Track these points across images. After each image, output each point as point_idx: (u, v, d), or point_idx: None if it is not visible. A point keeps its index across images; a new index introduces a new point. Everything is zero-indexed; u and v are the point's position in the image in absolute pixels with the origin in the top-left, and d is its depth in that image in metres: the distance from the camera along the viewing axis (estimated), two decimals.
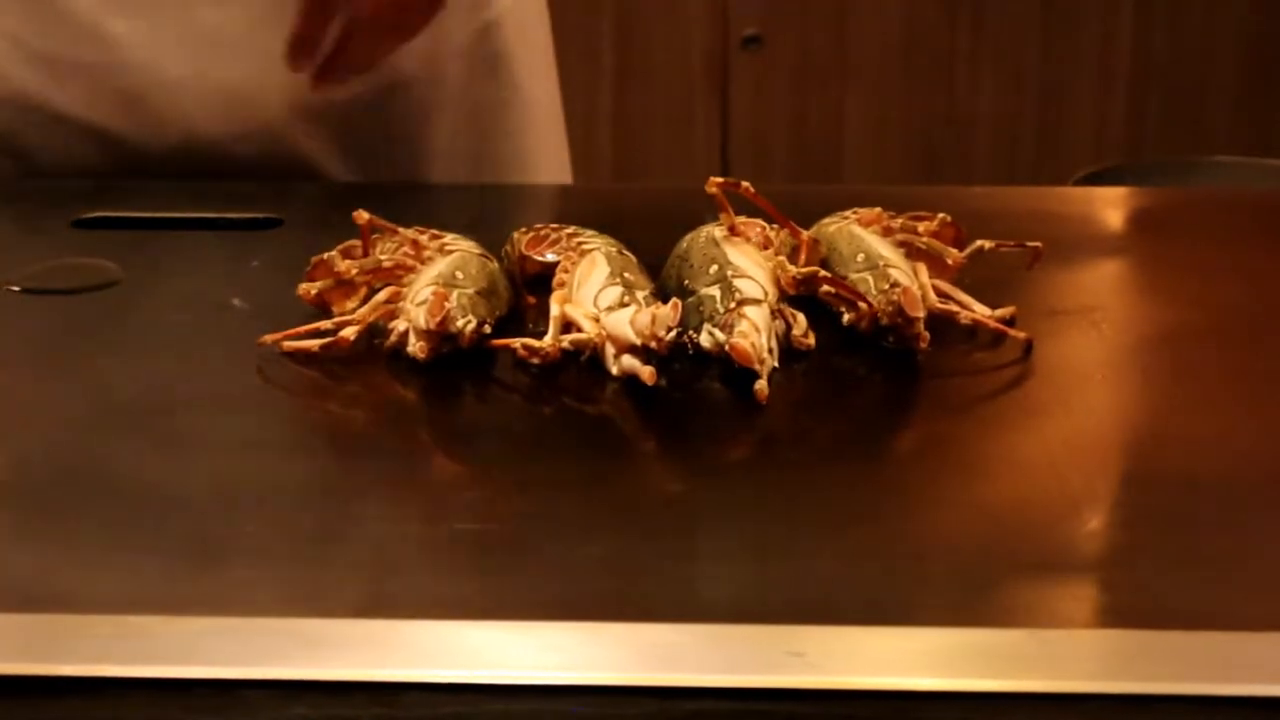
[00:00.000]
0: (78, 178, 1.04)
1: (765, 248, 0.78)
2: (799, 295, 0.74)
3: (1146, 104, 2.42)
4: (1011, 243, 0.79)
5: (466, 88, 1.09)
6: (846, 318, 0.74)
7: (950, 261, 0.78)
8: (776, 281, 0.74)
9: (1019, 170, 2.42)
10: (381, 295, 0.75)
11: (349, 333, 0.73)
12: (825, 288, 0.74)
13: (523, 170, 1.13)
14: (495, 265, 0.79)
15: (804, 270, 0.73)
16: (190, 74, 1.04)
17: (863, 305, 0.73)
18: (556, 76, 1.17)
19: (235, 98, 1.05)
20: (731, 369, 0.69)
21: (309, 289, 0.77)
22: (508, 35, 1.12)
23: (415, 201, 1.01)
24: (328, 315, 0.76)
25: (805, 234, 0.78)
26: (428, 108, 1.09)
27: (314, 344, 0.73)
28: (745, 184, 0.75)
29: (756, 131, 2.40)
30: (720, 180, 0.75)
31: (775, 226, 0.80)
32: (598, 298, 0.72)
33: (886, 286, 0.73)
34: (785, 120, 2.41)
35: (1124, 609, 0.54)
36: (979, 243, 0.78)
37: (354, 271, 0.77)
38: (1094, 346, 0.77)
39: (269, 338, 0.73)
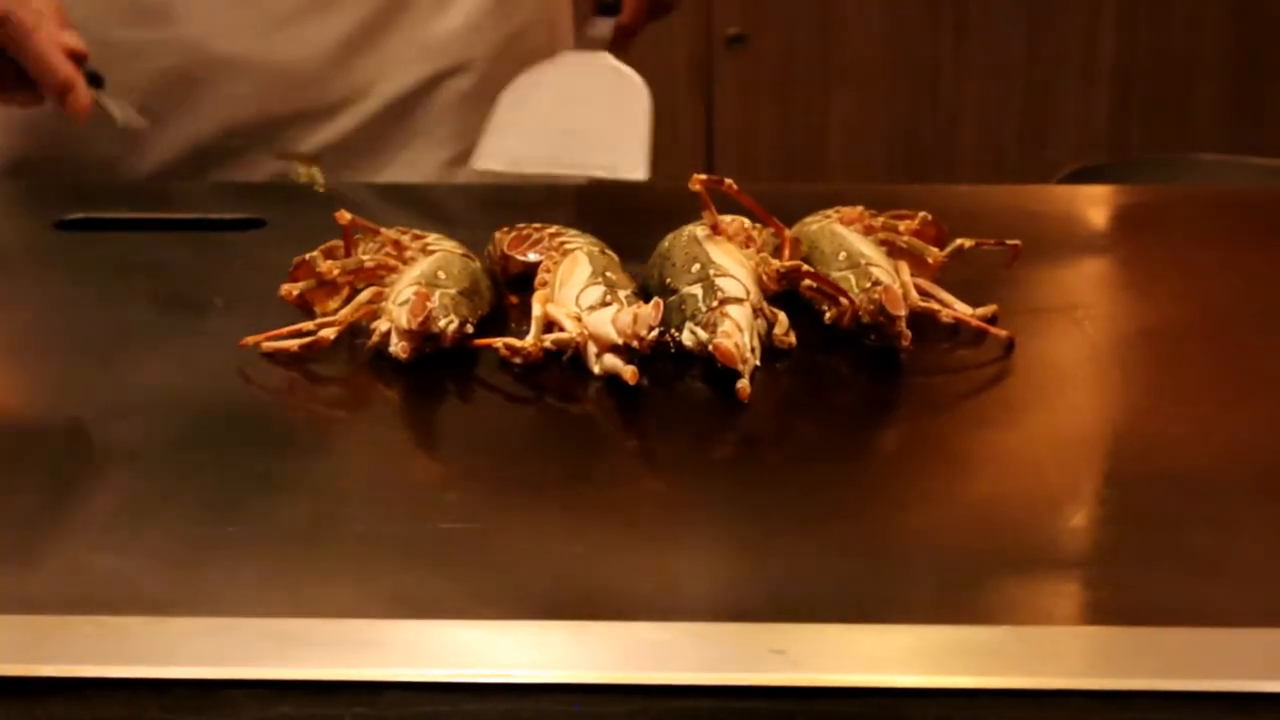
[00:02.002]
0: (60, 179, 1.04)
1: (748, 246, 0.78)
2: (781, 293, 0.75)
3: (1130, 102, 2.42)
4: (991, 241, 0.80)
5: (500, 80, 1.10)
6: (828, 315, 0.74)
7: (931, 260, 0.78)
8: (759, 280, 0.74)
9: (1004, 169, 2.42)
10: (364, 295, 0.75)
11: (329, 333, 0.73)
12: (808, 282, 0.74)
13: None
14: (477, 265, 0.79)
15: (787, 264, 0.74)
16: (246, 52, 1.04)
17: (843, 300, 0.73)
18: None
19: (284, 79, 1.05)
20: (714, 368, 0.69)
21: (291, 289, 0.77)
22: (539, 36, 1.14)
23: (397, 202, 1.01)
24: (310, 316, 0.76)
25: (788, 231, 0.78)
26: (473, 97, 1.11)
27: (294, 344, 0.73)
28: (729, 181, 0.75)
29: (741, 130, 2.40)
30: (704, 177, 0.75)
31: (758, 225, 0.80)
32: (580, 297, 0.72)
33: (868, 285, 0.73)
34: (770, 119, 2.41)
35: (1106, 605, 0.54)
36: (959, 241, 0.78)
37: (336, 272, 0.77)
38: (1076, 344, 0.77)
39: (250, 339, 0.73)
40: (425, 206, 1.01)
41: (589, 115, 1.06)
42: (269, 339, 0.73)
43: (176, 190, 1.02)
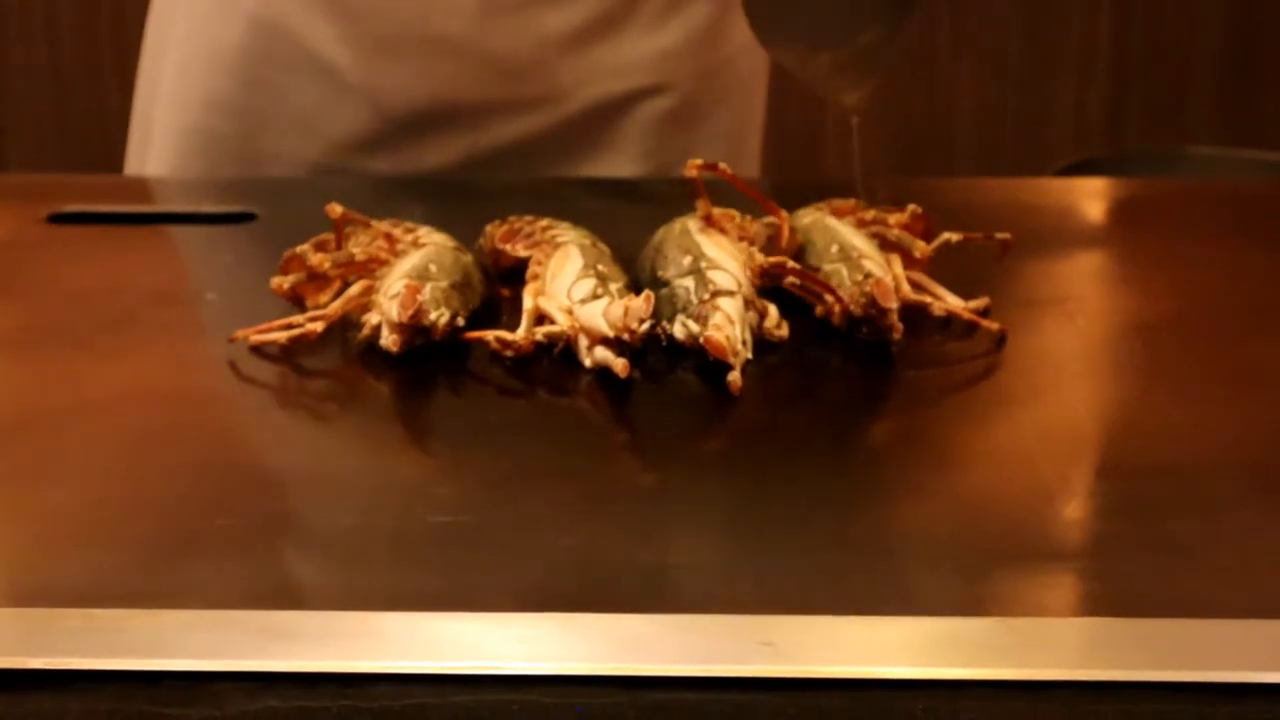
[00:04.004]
0: (51, 172, 1.04)
1: (742, 239, 0.78)
2: (772, 285, 0.75)
3: (1126, 95, 2.42)
4: (980, 235, 0.80)
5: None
6: (818, 310, 0.74)
7: (918, 254, 0.78)
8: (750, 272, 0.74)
9: (999, 162, 2.42)
10: (354, 289, 0.75)
11: (316, 326, 0.73)
12: (791, 279, 0.74)
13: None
14: (469, 258, 0.79)
15: (771, 260, 0.74)
16: (460, 33, 1.03)
17: (828, 297, 0.73)
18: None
19: (491, 66, 1.04)
20: (705, 361, 0.69)
21: (282, 283, 0.77)
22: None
23: (388, 194, 1.01)
24: (302, 309, 0.76)
25: (786, 215, 0.79)
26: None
27: (281, 336, 0.73)
28: (723, 165, 0.75)
29: None
30: (700, 162, 0.75)
31: (751, 218, 0.81)
32: (571, 290, 0.73)
33: (860, 278, 0.73)
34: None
35: (1096, 597, 0.54)
36: (946, 235, 0.79)
37: (327, 265, 0.77)
38: (1068, 337, 0.77)
39: (240, 333, 0.73)
40: (417, 198, 1.01)
41: None
42: (258, 333, 0.73)
43: (167, 184, 1.02)
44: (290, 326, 0.74)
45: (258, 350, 0.73)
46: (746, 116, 1.14)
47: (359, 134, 1.04)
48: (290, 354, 0.73)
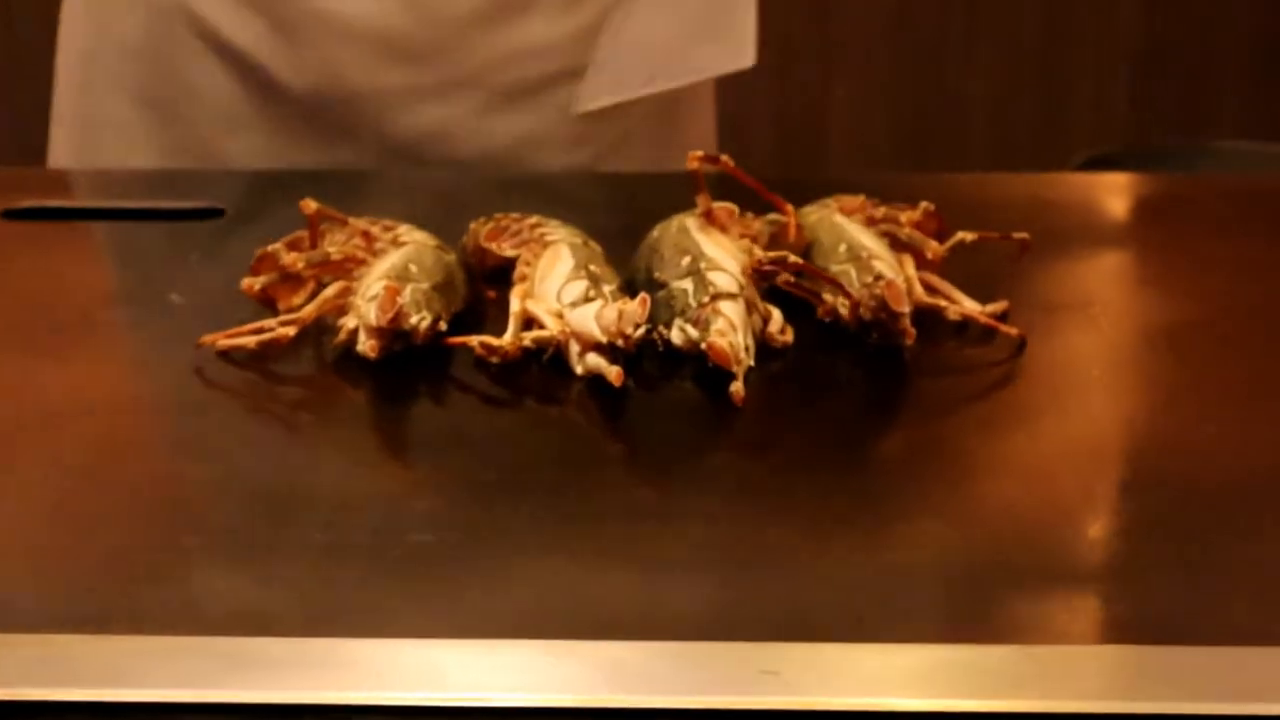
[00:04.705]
0: (9, 166, 1.04)
1: (744, 237, 0.78)
2: (774, 286, 0.75)
3: (1151, 85, 2.42)
4: (996, 234, 0.80)
5: None
6: (821, 309, 0.74)
7: (930, 255, 0.78)
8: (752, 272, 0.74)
9: (1016, 155, 2.42)
10: (330, 290, 0.75)
11: (289, 330, 0.73)
12: (785, 276, 0.73)
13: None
14: (452, 258, 0.79)
15: (772, 255, 0.73)
16: (352, 12, 1.03)
17: (828, 296, 0.73)
18: None
19: (394, 48, 1.04)
20: (704, 368, 0.69)
21: (253, 284, 0.76)
22: None
23: (366, 190, 1.00)
24: (274, 312, 0.76)
25: (793, 210, 0.78)
26: None
27: (251, 341, 0.73)
28: (725, 157, 0.75)
29: (732, 113, 2.40)
30: (700, 154, 0.75)
31: (754, 214, 0.80)
32: (561, 292, 0.72)
33: (870, 279, 0.73)
34: (764, 101, 2.41)
35: (1123, 623, 0.54)
36: (960, 234, 0.78)
37: (301, 265, 0.76)
38: (1091, 343, 0.77)
39: (208, 338, 0.73)
40: (396, 195, 1.01)
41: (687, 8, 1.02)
42: (226, 337, 0.73)
43: (127, 178, 1.02)
44: (261, 331, 0.73)
45: (225, 356, 0.73)
46: (688, 100, 1.13)
47: (270, 123, 1.05)
48: (260, 360, 0.73)
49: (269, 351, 0.73)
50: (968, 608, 0.54)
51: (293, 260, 0.76)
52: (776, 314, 0.73)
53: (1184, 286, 0.84)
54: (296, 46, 1.03)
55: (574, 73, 1.06)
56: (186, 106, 1.05)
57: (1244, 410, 0.69)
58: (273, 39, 1.03)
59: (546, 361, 0.71)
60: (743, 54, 1.07)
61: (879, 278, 0.73)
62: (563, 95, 1.06)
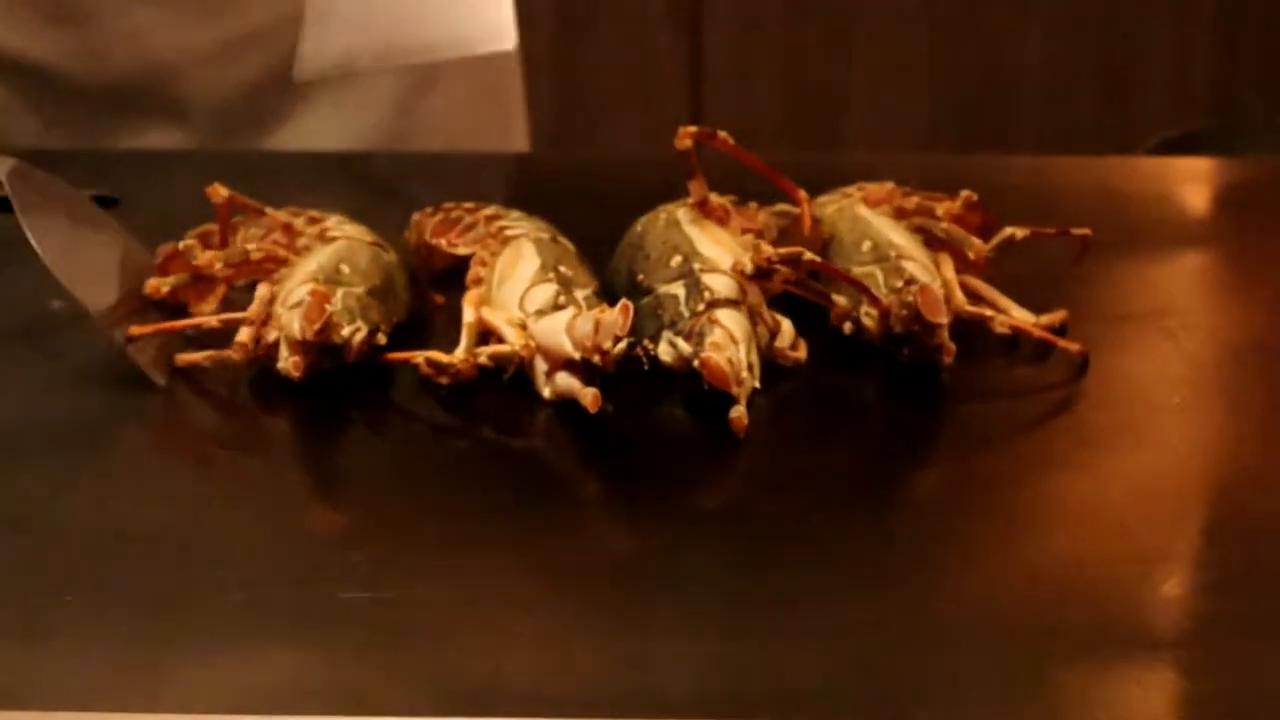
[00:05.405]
0: None
1: (747, 233, 0.78)
2: (783, 291, 0.75)
3: (1239, 52, 2.43)
4: (1052, 230, 0.80)
5: None
6: (833, 316, 0.74)
7: (972, 254, 0.78)
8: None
9: (1076, 136, 2.43)
10: (263, 290, 0.75)
11: (244, 337, 0.72)
12: (782, 271, 0.73)
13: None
14: (392, 257, 0.79)
15: (782, 251, 0.73)
16: None
17: (840, 300, 0.73)
18: None
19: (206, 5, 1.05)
20: (699, 390, 0.69)
21: (159, 285, 0.77)
22: None
23: (287, 174, 1.01)
24: (183, 316, 0.76)
25: (807, 198, 0.78)
26: None
27: (201, 357, 0.73)
28: (723, 134, 0.75)
29: (737, 85, 2.41)
30: (694, 130, 0.75)
31: (757, 205, 0.81)
32: (524, 298, 0.73)
33: (900, 284, 0.73)
34: (774, 71, 2.41)
35: (1207, 699, 0.54)
36: (1009, 230, 0.78)
37: (218, 265, 0.76)
38: (1167, 362, 0.78)
39: (136, 330, 0.73)
40: (326, 178, 1.01)
41: None
42: (159, 331, 0.73)
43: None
44: (186, 334, 0.73)
45: (119, 373, 0.73)
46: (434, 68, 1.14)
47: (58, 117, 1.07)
48: (162, 377, 0.73)
49: (222, 367, 0.73)
50: (1017, 680, 0.54)
51: (208, 260, 0.76)
52: (786, 325, 0.73)
53: (1275, 293, 0.84)
54: (92, 32, 1.05)
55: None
56: None
57: None
58: (63, 31, 1.05)
59: (507, 382, 0.71)
60: (502, 35, 1.09)
61: (911, 282, 0.73)
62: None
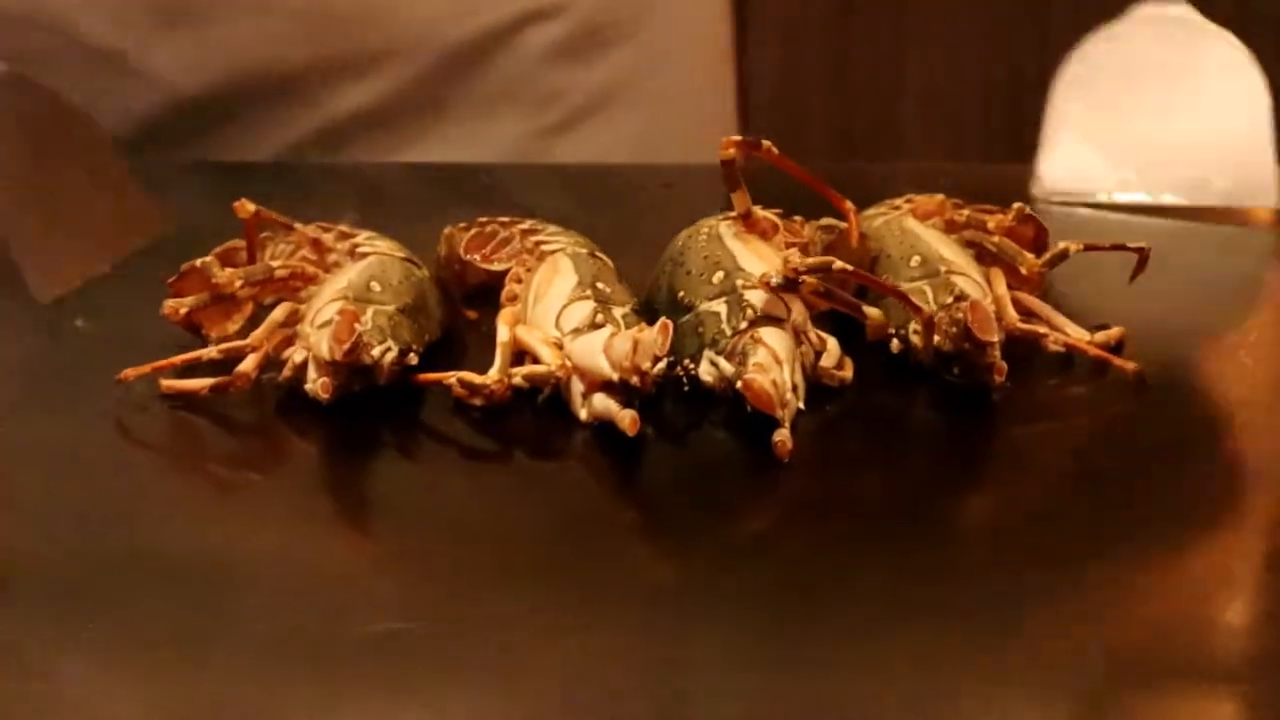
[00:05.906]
0: None
1: (791, 246, 0.78)
2: (827, 308, 0.75)
3: None
4: (1108, 244, 0.79)
5: None
6: (869, 330, 0.74)
7: (1024, 270, 0.78)
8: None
9: None
10: (278, 313, 0.75)
11: (248, 366, 0.73)
12: (806, 279, 0.72)
13: None
14: (424, 273, 0.79)
15: (811, 262, 0.72)
16: None
17: (872, 312, 0.73)
18: None
19: (318, 20, 1.06)
20: (741, 413, 0.68)
21: (177, 306, 0.76)
22: None
23: (316, 186, 1.01)
24: (202, 341, 0.76)
25: (854, 210, 0.78)
26: None
27: (201, 385, 0.73)
28: (768, 144, 0.75)
29: (783, 90, 2.41)
30: (737, 139, 0.75)
31: (803, 219, 0.80)
32: (561, 317, 0.73)
33: (949, 300, 0.73)
34: (822, 77, 2.41)
35: None
36: (1063, 244, 0.79)
37: (238, 284, 0.76)
38: (1228, 381, 0.77)
39: (130, 372, 0.73)
40: (354, 194, 1.01)
41: (1184, 109, 1.04)
42: (158, 370, 0.73)
43: None
44: (197, 365, 0.73)
45: (160, 398, 0.73)
46: (691, 61, 1.14)
47: (158, 125, 1.06)
48: (190, 404, 0.73)
49: (224, 396, 0.73)
50: (1077, 717, 0.53)
51: (228, 278, 0.76)
52: (832, 344, 0.73)
53: None
54: (181, 37, 1.06)
55: (537, 14, 1.07)
56: None
57: None
58: (150, 33, 1.06)
59: (542, 404, 0.71)
60: (1267, 191, 1.09)
61: (961, 298, 0.73)
62: (520, 48, 1.07)
